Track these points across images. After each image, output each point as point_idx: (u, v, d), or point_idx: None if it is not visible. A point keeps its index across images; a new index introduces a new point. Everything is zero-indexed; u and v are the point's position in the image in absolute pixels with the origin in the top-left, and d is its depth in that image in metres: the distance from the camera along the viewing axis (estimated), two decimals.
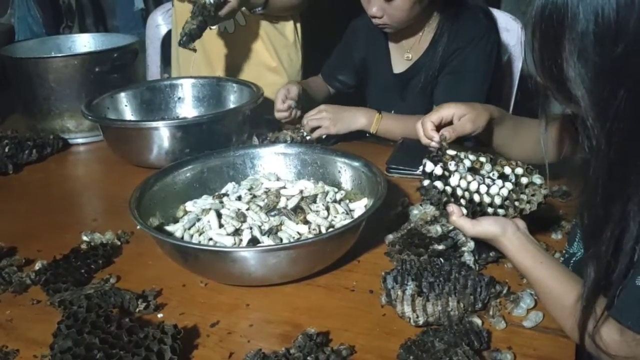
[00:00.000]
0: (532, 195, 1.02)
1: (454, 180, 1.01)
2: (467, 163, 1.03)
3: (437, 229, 1.07)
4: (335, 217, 1.10)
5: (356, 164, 1.21)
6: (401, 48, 1.73)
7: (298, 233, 1.06)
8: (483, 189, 1.01)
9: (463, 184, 1.01)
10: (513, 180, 1.02)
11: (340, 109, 1.58)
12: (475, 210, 1.00)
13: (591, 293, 0.77)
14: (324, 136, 1.57)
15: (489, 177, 1.02)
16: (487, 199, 1.00)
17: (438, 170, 1.01)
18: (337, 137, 1.60)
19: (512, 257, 0.95)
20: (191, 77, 1.80)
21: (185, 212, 1.19)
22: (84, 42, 1.96)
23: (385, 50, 1.76)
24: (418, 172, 1.38)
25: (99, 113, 1.59)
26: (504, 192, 1.01)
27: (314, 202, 1.14)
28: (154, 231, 0.98)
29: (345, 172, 1.23)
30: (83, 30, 3.77)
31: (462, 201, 1.00)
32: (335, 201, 1.16)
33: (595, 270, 0.76)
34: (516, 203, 1.01)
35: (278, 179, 1.24)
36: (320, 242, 0.96)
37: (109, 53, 1.69)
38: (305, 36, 2.02)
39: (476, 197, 1.00)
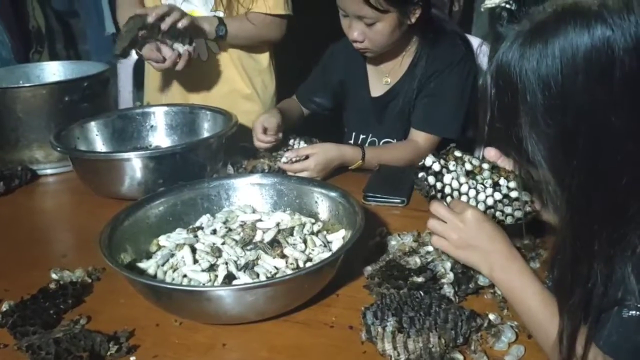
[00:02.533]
0: (516, 209, 1.03)
1: (447, 178, 1.05)
2: (468, 166, 1.06)
3: (415, 261, 1.06)
4: (312, 250, 1.08)
5: (333, 194, 1.19)
6: (380, 72, 1.74)
7: (275, 268, 1.04)
8: (472, 193, 1.04)
9: (455, 184, 1.05)
10: (504, 191, 1.04)
11: (329, 163, 1.51)
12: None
13: (570, 341, 0.76)
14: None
15: (481, 184, 1.04)
16: (472, 203, 1.03)
17: (436, 166, 1.06)
18: None
19: (500, 286, 0.94)
20: (163, 105, 1.77)
21: (159, 247, 1.16)
22: (53, 70, 1.92)
23: (363, 74, 1.77)
24: (396, 200, 1.38)
25: (68, 143, 1.55)
26: (490, 201, 1.04)
27: (291, 234, 1.11)
28: (125, 270, 0.95)
29: (322, 202, 1.21)
30: (53, 55, 3.71)
31: (449, 199, 1.04)
32: (312, 233, 1.14)
33: (570, 323, 0.76)
34: (497, 214, 1.03)
35: (254, 211, 1.22)
36: (298, 278, 0.93)
37: (79, 82, 1.66)
38: (278, 60, 2.01)
39: (463, 199, 1.04)
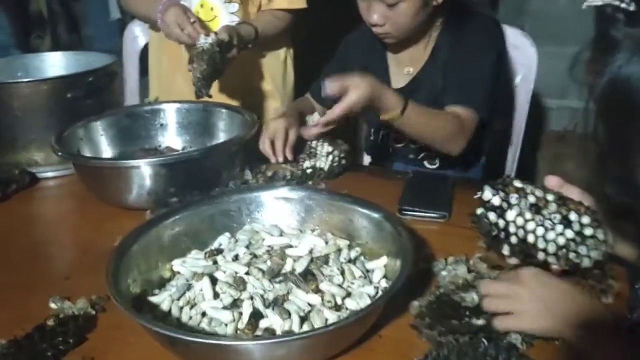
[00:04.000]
0: (593, 249, 0.88)
1: (510, 214, 0.89)
2: (532, 199, 0.90)
3: (472, 297, 0.91)
4: (352, 283, 0.93)
5: (372, 213, 1.04)
6: (400, 62, 1.58)
7: (309, 304, 0.89)
8: (540, 231, 0.88)
9: (519, 221, 0.89)
10: (577, 228, 0.88)
11: (371, 101, 1.30)
12: (527, 253, 0.89)
13: None
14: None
15: (549, 220, 0.89)
16: (541, 244, 0.88)
17: (496, 200, 0.90)
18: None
19: None
20: (175, 101, 1.61)
21: (173, 273, 1.01)
22: (54, 62, 1.77)
23: (383, 64, 1.61)
24: (436, 214, 1.23)
25: (71, 146, 1.40)
26: (561, 240, 0.88)
27: (326, 263, 0.97)
28: (136, 314, 0.80)
29: (358, 221, 1.06)
30: (55, 40, 3.55)
31: (514, 239, 0.89)
32: (350, 261, 0.99)
33: None
34: (571, 255, 0.88)
35: (281, 233, 1.07)
36: (340, 328, 0.79)
37: (84, 77, 1.50)
38: (296, 55, 1.86)
39: (530, 238, 0.88)
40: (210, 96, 1.35)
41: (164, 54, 1.80)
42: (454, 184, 1.35)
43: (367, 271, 0.98)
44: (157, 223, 1.02)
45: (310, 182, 1.39)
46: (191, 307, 0.90)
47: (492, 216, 0.89)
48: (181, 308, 0.90)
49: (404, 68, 1.58)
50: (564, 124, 2.65)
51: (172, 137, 1.59)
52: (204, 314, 0.89)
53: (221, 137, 1.54)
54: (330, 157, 1.41)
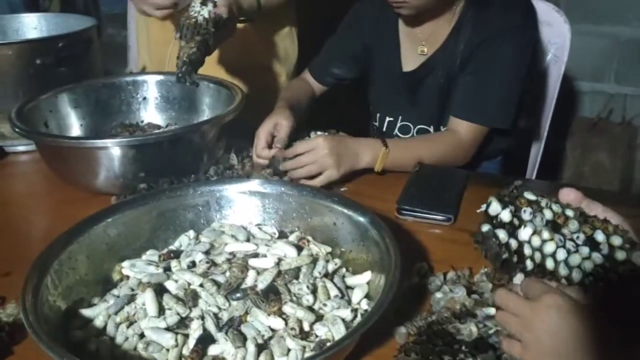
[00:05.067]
0: (628, 277, 0.70)
1: (524, 233, 0.70)
2: (548, 215, 0.71)
3: (470, 329, 0.74)
4: (324, 304, 0.77)
5: (358, 217, 0.87)
6: (414, 39, 1.38)
7: (270, 329, 0.74)
8: (561, 254, 0.70)
9: (535, 241, 0.70)
10: (605, 251, 0.70)
11: (340, 143, 1.18)
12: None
13: None
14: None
15: (571, 240, 0.70)
16: (563, 271, 0.70)
17: (505, 216, 0.71)
18: None
19: None
20: (159, 72, 1.45)
21: (121, 277, 0.86)
22: (34, 24, 1.61)
23: (394, 40, 1.42)
24: (439, 217, 1.06)
25: (35, 120, 1.26)
26: (588, 265, 0.69)
27: (296, 278, 0.80)
28: (47, 342, 0.64)
29: (343, 225, 0.89)
30: (64, 2, 3.40)
31: (529, 264, 0.70)
32: (327, 274, 0.83)
33: None
34: (600, 284, 0.69)
35: (249, 237, 0.90)
36: None
37: (53, 41, 1.35)
38: (301, 30, 1.68)
39: (549, 264, 0.70)
40: (196, 85, 1.17)
41: (152, 20, 1.63)
42: (466, 181, 1.18)
43: (347, 287, 0.82)
44: (102, 218, 0.86)
45: None
46: (129, 325, 0.75)
47: (501, 235, 0.70)
48: (117, 325, 0.75)
49: (417, 47, 1.39)
50: (597, 111, 2.43)
51: (154, 113, 1.44)
52: (141, 337, 0.73)
53: (207, 114, 1.38)
54: None
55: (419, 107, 1.43)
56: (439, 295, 0.81)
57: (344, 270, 0.86)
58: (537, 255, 0.70)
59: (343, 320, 0.75)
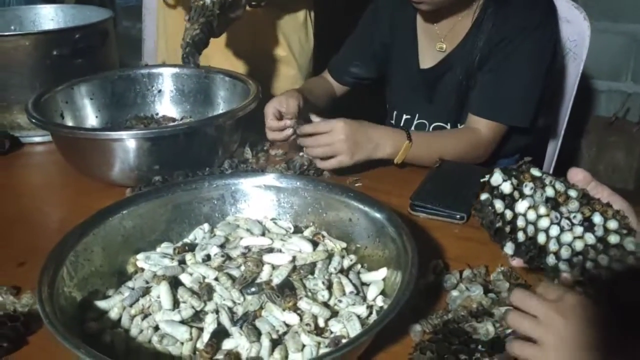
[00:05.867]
0: (617, 261, 0.70)
1: (521, 206, 0.73)
2: (550, 192, 0.73)
3: (487, 329, 0.74)
4: (339, 300, 0.76)
5: (375, 213, 0.86)
6: (433, 36, 1.37)
7: (285, 324, 0.73)
8: (554, 230, 0.72)
9: (531, 215, 0.73)
10: (600, 233, 0.70)
11: (360, 131, 1.15)
12: (533, 255, 0.73)
13: None
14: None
15: (567, 219, 0.72)
16: (553, 246, 0.72)
17: (506, 187, 0.74)
18: None
19: None
20: (175, 65, 1.45)
21: (136, 269, 0.86)
22: (51, 15, 1.62)
23: (412, 37, 1.40)
24: (453, 214, 1.05)
25: (51, 111, 1.26)
26: (579, 245, 0.71)
27: (312, 273, 0.80)
28: (65, 334, 0.64)
29: (359, 221, 0.89)
30: None
31: (521, 236, 0.73)
32: (342, 270, 0.82)
33: None
34: (588, 264, 0.71)
35: (264, 231, 0.90)
36: None
37: (70, 33, 1.35)
38: (318, 24, 1.66)
39: (541, 238, 0.73)
40: (198, 66, 1.17)
41: (169, 11, 1.62)
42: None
43: (362, 284, 0.81)
44: (117, 210, 0.86)
45: (329, 174, 1.21)
46: (143, 318, 0.75)
47: (498, 204, 0.72)
48: (132, 318, 0.75)
49: (436, 44, 1.37)
50: (614, 109, 2.40)
51: (169, 106, 1.44)
52: (156, 329, 0.73)
53: (222, 107, 1.38)
54: None
55: (436, 104, 1.41)
56: (455, 293, 0.81)
57: (359, 266, 0.85)
58: (531, 229, 0.71)
59: (358, 316, 0.74)
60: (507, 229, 0.74)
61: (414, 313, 0.81)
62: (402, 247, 0.78)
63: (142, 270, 0.85)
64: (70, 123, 1.30)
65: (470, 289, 0.80)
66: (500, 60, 1.28)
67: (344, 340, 0.71)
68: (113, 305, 0.77)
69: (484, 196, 0.74)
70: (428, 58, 1.40)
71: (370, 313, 0.76)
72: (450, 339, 0.73)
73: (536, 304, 0.64)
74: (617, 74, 2.42)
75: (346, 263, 0.82)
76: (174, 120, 1.42)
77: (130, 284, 0.82)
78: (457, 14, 1.33)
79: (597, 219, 0.71)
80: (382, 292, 0.79)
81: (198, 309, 0.75)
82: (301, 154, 1.23)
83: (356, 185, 1.18)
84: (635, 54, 2.38)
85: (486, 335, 0.73)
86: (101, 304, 0.77)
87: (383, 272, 0.81)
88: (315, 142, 1.15)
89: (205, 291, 0.76)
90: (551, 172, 1.59)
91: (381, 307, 0.77)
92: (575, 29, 1.56)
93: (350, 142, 1.13)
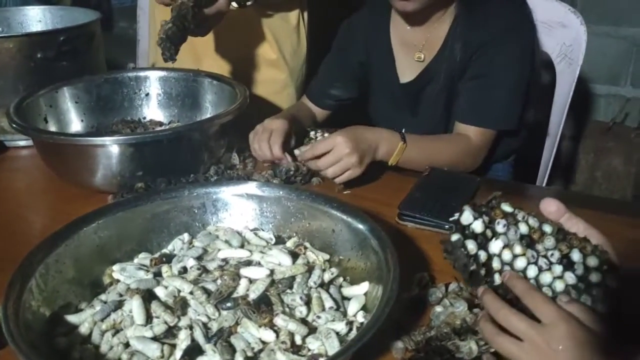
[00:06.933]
0: (600, 301, 0.67)
1: (495, 246, 0.68)
2: (524, 229, 0.69)
3: (470, 347, 0.71)
4: (318, 316, 0.73)
5: (358, 224, 0.84)
6: (410, 47, 1.35)
7: (261, 341, 0.71)
8: (532, 271, 0.68)
9: (506, 255, 0.68)
10: (580, 272, 0.67)
11: (360, 139, 1.12)
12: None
13: None
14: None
15: (545, 257, 0.68)
16: None
17: (478, 226, 0.69)
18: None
19: None
20: (162, 68, 1.42)
21: (112, 280, 0.84)
22: (39, 17, 1.59)
23: (388, 54, 1.39)
24: (442, 224, 1.02)
25: (34, 114, 1.23)
26: (559, 285, 0.67)
27: (290, 287, 0.77)
28: (27, 354, 0.61)
29: (342, 232, 0.86)
30: None
31: (497, 278, 0.69)
32: (322, 284, 0.79)
33: None
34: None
35: (244, 242, 0.87)
36: None
37: (55, 35, 1.32)
38: (312, 30, 1.63)
39: None
40: (174, 61, 1.14)
41: (160, 11, 1.59)
42: (477, 188, 1.14)
43: (344, 298, 0.79)
44: (92, 219, 0.84)
45: (317, 180, 1.19)
46: (115, 333, 0.72)
47: (470, 245, 0.68)
48: (103, 334, 0.73)
49: (414, 54, 1.35)
50: (613, 114, 2.37)
51: (157, 109, 1.41)
52: (126, 346, 0.71)
53: (211, 112, 1.35)
54: None
55: (421, 117, 1.40)
56: (439, 309, 0.78)
57: (341, 279, 0.82)
58: (507, 269, 0.67)
59: (337, 333, 0.71)
60: (482, 272, 0.70)
61: (397, 328, 0.78)
62: (384, 261, 0.75)
63: (118, 281, 0.82)
64: (53, 127, 1.28)
65: (455, 305, 0.77)
66: (482, 66, 1.27)
67: (321, 359, 0.68)
68: (84, 319, 0.74)
69: (454, 237, 0.70)
70: (407, 71, 1.38)
71: (350, 329, 0.74)
72: (433, 357, 0.70)
73: (524, 328, 0.61)
74: (616, 78, 2.39)
75: (327, 277, 0.80)
76: (161, 124, 1.39)
77: (103, 297, 0.79)
78: (432, 20, 1.31)
79: (575, 256, 0.67)
80: (364, 307, 0.77)
81: (171, 324, 0.72)
82: (288, 158, 1.21)
83: (345, 192, 1.15)
84: (634, 59, 2.35)
85: (469, 354, 0.70)
86: (71, 318, 0.75)
87: (365, 286, 0.78)
88: (324, 165, 1.11)
89: (179, 306, 0.74)
90: (546, 178, 1.56)
91: (362, 323, 0.74)
92: (571, 34, 1.53)
93: (357, 154, 1.10)
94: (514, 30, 1.26)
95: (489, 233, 0.69)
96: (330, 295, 0.77)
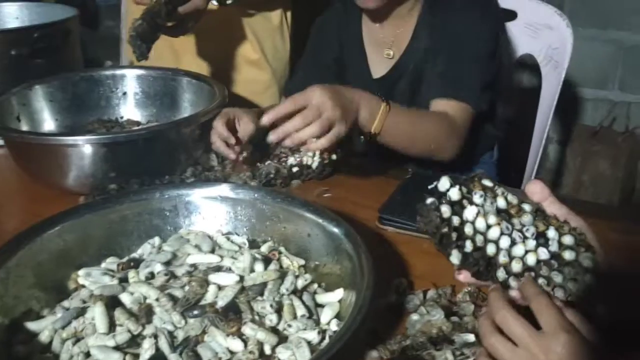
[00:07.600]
0: (571, 279, 0.64)
1: (469, 212, 0.65)
2: (501, 203, 0.66)
3: (446, 357, 0.68)
4: (289, 325, 0.70)
5: (333, 228, 0.81)
6: (380, 44, 1.34)
7: (229, 351, 0.68)
8: (505, 242, 0.64)
9: (480, 223, 0.64)
10: (554, 248, 0.64)
11: (339, 93, 0.98)
12: (480, 269, 0.64)
13: None
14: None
15: (519, 231, 0.65)
16: (503, 258, 0.64)
17: (454, 194, 0.65)
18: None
19: None
20: (140, 66, 1.38)
21: (77, 286, 0.80)
22: (15, 14, 1.55)
23: (360, 50, 1.37)
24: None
25: (6, 113, 1.20)
26: (531, 259, 0.64)
27: (261, 294, 0.74)
28: None
29: (317, 237, 0.83)
30: None
31: (468, 245, 0.64)
32: (295, 291, 0.76)
33: None
34: (541, 281, 0.64)
35: (214, 247, 0.84)
36: None
37: (29, 32, 1.29)
38: (297, 30, 1.61)
39: (490, 249, 0.64)
40: (146, 59, 1.11)
41: (134, 10, 1.56)
42: None
43: (318, 306, 0.76)
44: (57, 222, 0.80)
45: (298, 182, 1.16)
46: (76, 342, 0.69)
47: (444, 208, 0.64)
48: (63, 342, 0.69)
49: (384, 51, 1.34)
50: (600, 118, 2.36)
51: (135, 109, 1.38)
52: (89, 354, 0.67)
53: (189, 111, 1.32)
54: (318, 153, 1.15)
55: None
56: (415, 317, 0.75)
57: (315, 286, 0.80)
58: (480, 239, 0.64)
59: (309, 343, 0.69)
60: (454, 236, 0.67)
61: (372, 337, 0.75)
62: (358, 266, 0.73)
63: (84, 287, 0.79)
64: (26, 127, 1.24)
65: (431, 313, 0.74)
66: (447, 44, 1.24)
67: None
68: (44, 327, 0.71)
69: (429, 200, 0.67)
70: (379, 67, 1.36)
71: (323, 338, 0.71)
72: None
73: (520, 333, 0.58)
74: (603, 81, 2.38)
75: (300, 283, 0.77)
76: (138, 124, 1.36)
77: (65, 303, 0.76)
78: (399, 17, 1.30)
79: (551, 233, 0.64)
80: (338, 315, 0.74)
81: (135, 333, 0.69)
82: (268, 162, 1.18)
83: (325, 195, 1.13)
84: (622, 62, 2.34)
85: None
86: (31, 325, 0.71)
87: (339, 293, 0.75)
88: (302, 121, 0.93)
89: (144, 313, 0.70)
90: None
91: (335, 332, 0.72)
92: (557, 36, 1.51)
93: (339, 107, 0.96)
94: (479, 10, 1.25)
95: (465, 203, 0.66)
96: (303, 303, 0.74)
